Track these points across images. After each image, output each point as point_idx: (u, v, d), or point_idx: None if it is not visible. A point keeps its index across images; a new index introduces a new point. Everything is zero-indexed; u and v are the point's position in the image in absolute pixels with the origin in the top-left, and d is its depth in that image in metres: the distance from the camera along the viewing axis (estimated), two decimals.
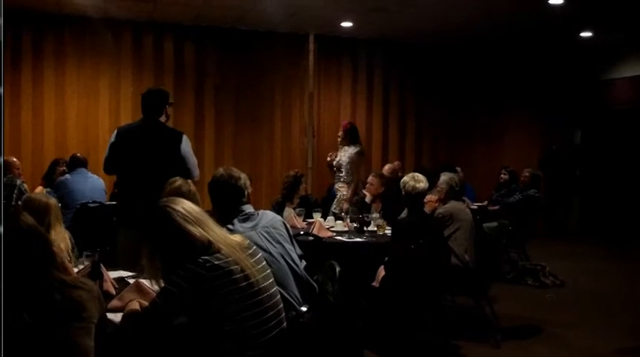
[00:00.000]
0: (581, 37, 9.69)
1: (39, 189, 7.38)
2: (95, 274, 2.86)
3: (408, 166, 10.42)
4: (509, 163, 9.45)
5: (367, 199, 6.62)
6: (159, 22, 9.14)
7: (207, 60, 9.59)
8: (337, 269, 3.52)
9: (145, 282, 2.95)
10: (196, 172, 4.96)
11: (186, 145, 4.92)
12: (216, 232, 2.65)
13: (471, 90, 10.94)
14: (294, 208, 6.30)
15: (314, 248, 4.86)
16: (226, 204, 3.59)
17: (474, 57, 10.81)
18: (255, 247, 2.84)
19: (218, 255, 2.56)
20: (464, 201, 6.77)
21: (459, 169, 8.54)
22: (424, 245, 4.79)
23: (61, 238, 3.53)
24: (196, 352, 2.59)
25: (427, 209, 5.68)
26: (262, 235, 3.48)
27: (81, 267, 3.14)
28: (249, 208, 3.57)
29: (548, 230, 10.44)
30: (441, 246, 4.98)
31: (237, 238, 2.78)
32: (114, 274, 3.43)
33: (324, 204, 7.85)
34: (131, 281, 3.07)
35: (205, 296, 2.51)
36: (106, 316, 2.28)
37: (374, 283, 4.96)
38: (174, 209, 2.62)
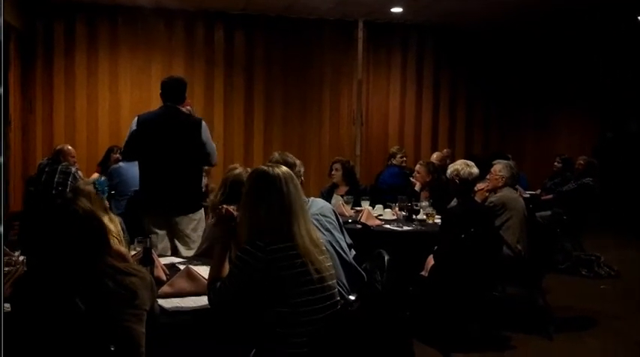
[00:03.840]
0: (639, 19, 9.34)
1: (94, 175, 7.54)
2: (146, 260, 2.90)
3: (459, 154, 10.22)
4: (563, 152, 9.23)
5: (417, 188, 6.55)
6: (209, 11, 9.22)
7: (257, 48, 9.64)
8: (386, 258, 3.49)
9: (196, 268, 2.99)
10: (215, 157, 4.99)
11: (206, 131, 4.93)
12: (301, 226, 2.64)
13: (523, 76, 10.71)
14: (342, 196, 6.29)
15: (362, 236, 4.84)
16: None
17: (527, 42, 10.55)
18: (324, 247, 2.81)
19: (288, 244, 2.56)
20: (516, 190, 6.63)
21: (510, 156, 8.37)
22: (475, 235, 4.71)
23: (113, 224, 3.58)
24: (245, 331, 2.60)
25: (478, 198, 5.58)
26: (312, 222, 3.47)
27: (133, 253, 3.19)
28: None
29: (603, 220, 10.16)
30: (493, 236, 4.89)
31: (317, 233, 2.77)
32: (165, 261, 3.48)
33: (372, 192, 7.83)
34: (182, 267, 3.11)
35: (266, 277, 2.51)
36: (156, 302, 2.31)
37: (423, 273, 4.91)
38: (280, 181, 2.64)
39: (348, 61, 9.96)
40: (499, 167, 5.45)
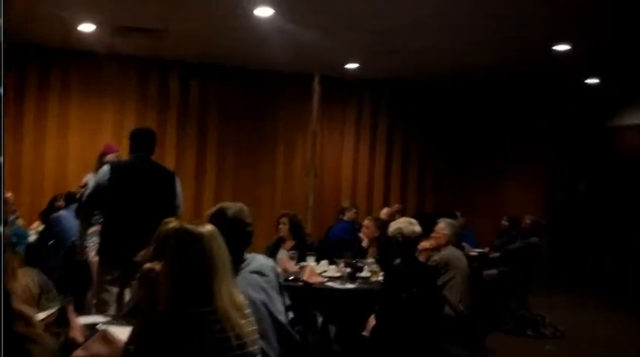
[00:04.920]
0: (587, 83, 9.65)
1: (35, 225, 7.33)
2: (61, 321, 2.76)
3: (410, 210, 10.32)
4: (513, 211, 9.33)
5: (364, 244, 6.51)
6: (165, 58, 9.20)
7: (211, 98, 9.64)
8: (319, 320, 3.42)
9: (119, 329, 2.86)
10: (182, 208, 4.96)
11: (179, 185, 4.99)
12: (222, 289, 2.53)
13: (475, 134, 10.90)
14: (288, 250, 6.20)
15: (303, 295, 4.76)
16: (232, 251, 3.43)
17: (479, 101, 10.77)
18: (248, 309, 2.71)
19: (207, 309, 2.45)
20: (463, 247, 6.64)
21: (458, 214, 8.44)
22: (417, 294, 4.66)
23: (25, 280, 3.43)
24: None
25: (422, 257, 5.56)
26: (247, 280, 3.36)
27: (52, 311, 3.04)
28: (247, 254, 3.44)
29: (552, 279, 10.23)
30: (435, 295, 4.85)
31: (240, 297, 2.67)
32: (88, 320, 3.33)
33: (321, 246, 7.76)
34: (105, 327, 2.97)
35: (182, 343, 2.41)
36: None
37: (364, 333, 4.82)
38: (209, 241, 2.53)
39: (303, 113, 10.01)
40: (442, 225, 5.46)
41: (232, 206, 3.33)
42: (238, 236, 3.21)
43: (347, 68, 9.35)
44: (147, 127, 5.27)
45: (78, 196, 5.96)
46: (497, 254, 8.11)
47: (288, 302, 3.60)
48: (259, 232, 9.39)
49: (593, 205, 10.96)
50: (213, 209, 3.32)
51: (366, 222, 6.56)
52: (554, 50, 7.69)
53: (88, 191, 4.96)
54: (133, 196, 4.74)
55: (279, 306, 3.48)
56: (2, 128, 1.87)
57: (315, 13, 6.74)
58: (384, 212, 8.11)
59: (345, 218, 8.26)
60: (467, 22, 6.82)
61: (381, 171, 10.61)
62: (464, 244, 6.92)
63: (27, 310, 2.60)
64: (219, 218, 3.18)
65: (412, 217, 5.46)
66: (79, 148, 8.95)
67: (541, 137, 10.93)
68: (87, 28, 7.62)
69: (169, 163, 9.30)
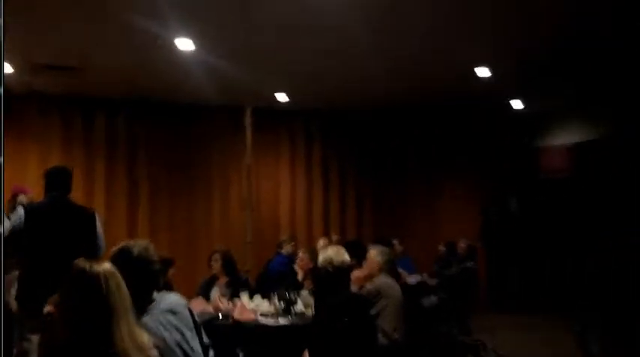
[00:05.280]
0: (511, 105, 9.84)
1: None
2: None
3: (349, 238, 10.29)
4: (450, 234, 9.36)
5: (299, 277, 6.38)
6: (88, 95, 8.94)
7: (140, 134, 9.42)
8: (211, 353, 3.28)
9: None
10: (104, 249, 4.75)
11: (99, 224, 4.81)
12: (122, 329, 2.37)
13: (408, 159, 10.97)
14: (224, 285, 6.02)
15: (234, 332, 4.59)
16: (139, 291, 3.25)
17: (412, 124, 10.83)
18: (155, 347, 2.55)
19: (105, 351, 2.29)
20: (399, 275, 6.57)
21: (395, 241, 8.41)
22: (349, 325, 4.53)
23: None
24: None
25: (355, 285, 5.44)
26: (159, 319, 3.17)
27: None
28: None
29: (492, 302, 10.28)
30: (368, 325, 4.73)
31: (143, 337, 2.50)
32: None
33: (260, 281, 7.58)
34: None
35: None
36: None
37: None
38: (106, 280, 2.38)
39: (236, 146, 9.87)
40: (374, 253, 5.37)
41: (137, 244, 3.18)
42: (145, 275, 3.05)
43: (276, 99, 9.29)
44: (61, 166, 5.06)
45: None
46: (436, 281, 8.08)
47: (207, 340, 3.43)
48: (198, 271, 9.24)
49: (524, 223, 11.10)
50: (116, 248, 3.14)
51: (300, 254, 6.46)
52: (476, 75, 7.80)
53: (2, 236, 4.69)
54: (50, 238, 4.55)
55: (195, 345, 3.30)
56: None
57: (233, 46, 6.69)
58: (321, 243, 7.97)
59: (283, 252, 8.10)
60: (390, 45, 6.85)
61: (319, 200, 10.54)
62: (401, 270, 6.85)
63: None
64: (123, 257, 3.02)
65: (343, 245, 5.38)
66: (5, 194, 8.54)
67: (472, 160, 11.04)
68: (6, 69, 7.35)
69: (99, 204, 9.01)
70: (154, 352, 2.52)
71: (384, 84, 8.52)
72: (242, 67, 7.35)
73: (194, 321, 3.38)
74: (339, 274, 4.72)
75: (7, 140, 7.78)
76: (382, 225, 10.63)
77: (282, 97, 9.23)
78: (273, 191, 10.24)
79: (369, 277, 5.38)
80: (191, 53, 6.74)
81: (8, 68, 7.33)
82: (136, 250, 3.10)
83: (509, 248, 10.96)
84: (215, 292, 5.91)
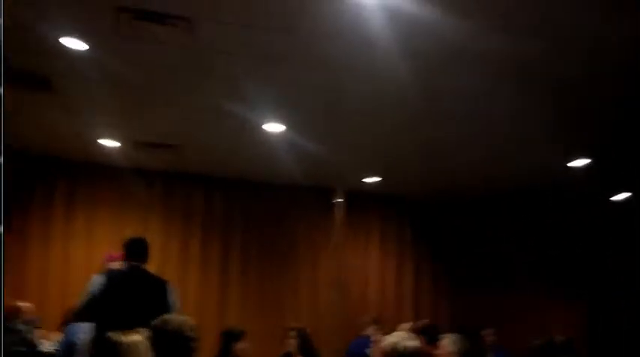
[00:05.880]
0: (614, 199, 9.38)
1: (55, 334, 7.26)
2: None
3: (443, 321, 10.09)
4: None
5: None
6: (189, 173, 9.42)
7: (234, 213, 9.74)
8: None
9: None
10: None
11: (172, 292, 5.09)
12: None
13: (513, 248, 10.54)
14: None
15: None
16: None
17: (508, 214, 10.54)
18: None
19: None
20: None
21: (489, 331, 8.14)
22: None
23: None
24: None
25: None
26: None
27: None
28: None
29: None
30: None
31: None
32: None
33: None
34: None
35: None
36: None
37: None
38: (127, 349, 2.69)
39: (325, 226, 9.99)
40: (446, 342, 5.21)
41: (175, 319, 3.36)
42: (178, 349, 3.20)
43: (366, 182, 9.39)
44: (140, 237, 5.33)
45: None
46: None
47: None
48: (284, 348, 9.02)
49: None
50: (157, 321, 3.35)
51: (373, 337, 6.34)
52: (570, 167, 7.59)
53: (82, 300, 4.98)
54: (124, 304, 4.77)
55: None
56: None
57: (325, 129, 6.90)
58: (402, 328, 7.81)
59: (365, 333, 8.01)
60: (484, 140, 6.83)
61: (411, 285, 10.34)
62: None
63: None
64: (160, 329, 3.24)
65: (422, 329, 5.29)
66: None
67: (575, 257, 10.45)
68: (110, 143, 7.97)
69: (193, 275, 9.37)
70: None
71: (470, 176, 8.46)
72: (331, 150, 7.55)
73: None
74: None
75: (113, 209, 8.34)
76: (472, 314, 10.22)
77: (372, 180, 9.33)
78: (362, 272, 10.20)
79: None
80: (280, 134, 7.02)
81: (115, 143, 7.95)
82: (172, 324, 3.28)
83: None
84: None
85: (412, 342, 4.56)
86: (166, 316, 3.39)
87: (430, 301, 10.41)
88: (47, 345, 6.88)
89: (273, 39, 4.78)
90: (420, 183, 9.41)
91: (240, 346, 5.52)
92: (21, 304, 6.93)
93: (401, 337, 4.66)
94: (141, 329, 3.89)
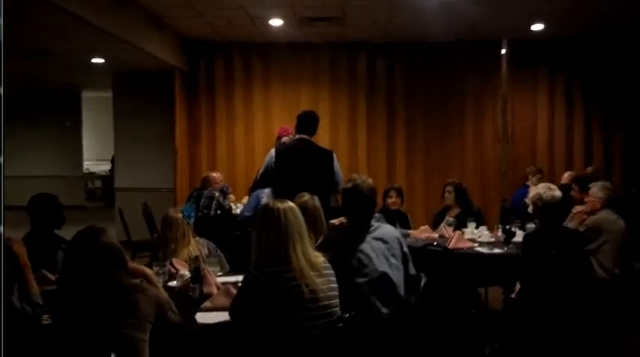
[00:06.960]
0: None
1: (245, 199, 8.40)
2: (196, 279, 3.50)
3: (616, 171, 9.89)
4: None
5: (529, 210, 6.48)
6: (353, 41, 9.79)
7: (397, 74, 10.01)
8: (422, 281, 3.79)
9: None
10: (341, 186, 5.48)
11: (336, 162, 5.58)
12: (297, 251, 3.09)
13: None
14: (454, 217, 6.45)
15: (444, 259, 5.07)
16: (360, 216, 3.86)
17: None
18: (328, 269, 3.21)
19: (284, 267, 3.02)
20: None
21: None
22: (557, 258, 4.69)
23: (197, 247, 4.31)
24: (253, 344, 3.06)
25: (576, 221, 5.52)
26: (370, 245, 3.75)
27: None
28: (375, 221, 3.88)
29: None
30: (579, 259, 4.82)
31: (318, 259, 3.19)
32: (224, 278, 4.02)
33: (502, 212, 7.86)
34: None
35: (262, 296, 2.98)
36: (170, 314, 2.84)
37: (512, 295, 4.98)
38: (279, 213, 3.12)
39: (490, 79, 9.97)
40: (595, 190, 5.36)
41: (365, 180, 3.85)
42: (364, 206, 3.79)
43: (532, 29, 9.10)
44: (310, 111, 5.89)
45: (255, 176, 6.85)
46: None
47: (413, 271, 3.89)
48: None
49: None
50: (347, 183, 3.89)
51: (531, 187, 6.53)
52: None
53: (260, 172, 5.79)
54: (294, 172, 5.44)
55: (395, 272, 3.77)
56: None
57: None
58: (566, 176, 7.88)
59: (529, 183, 8.18)
60: None
61: (581, 134, 10.08)
62: None
63: (147, 270, 3.39)
64: (350, 191, 3.82)
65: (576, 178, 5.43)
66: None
67: None
68: (276, 22, 8.56)
69: (361, 139, 9.98)
70: (329, 273, 3.18)
71: None
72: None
73: (403, 253, 3.89)
74: (546, 209, 4.90)
75: (287, 82, 9.15)
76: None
77: (538, 27, 9.02)
78: (530, 123, 10.11)
79: (591, 213, 5.40)
80: None
81: (278, 21, 8.52)
82: (362, 186, 3.82)
83: None
84: (444, 222, 6.37)
85: (555, 192, 4.82)
86: (358, 180, 3.89)
87: (601, 150, 10.08)
88: (237, 207, 8.00)
89: None
90: (588, 25, 8.91)
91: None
92: (214, 174, 8.07)
93: (546, 187, 4.93)
94: (307, 194, 4.55)
